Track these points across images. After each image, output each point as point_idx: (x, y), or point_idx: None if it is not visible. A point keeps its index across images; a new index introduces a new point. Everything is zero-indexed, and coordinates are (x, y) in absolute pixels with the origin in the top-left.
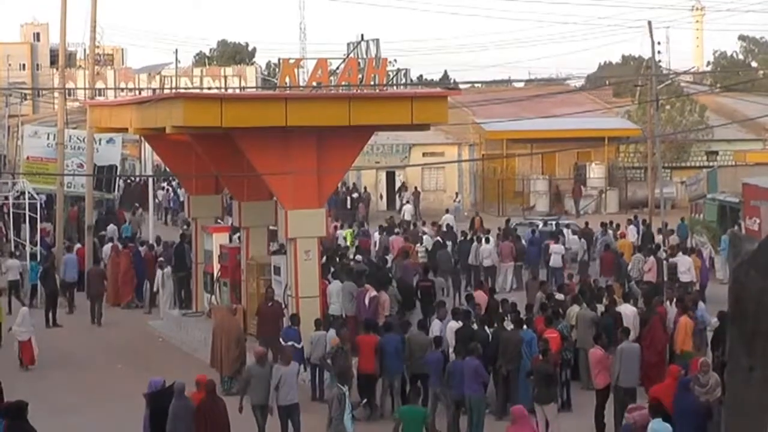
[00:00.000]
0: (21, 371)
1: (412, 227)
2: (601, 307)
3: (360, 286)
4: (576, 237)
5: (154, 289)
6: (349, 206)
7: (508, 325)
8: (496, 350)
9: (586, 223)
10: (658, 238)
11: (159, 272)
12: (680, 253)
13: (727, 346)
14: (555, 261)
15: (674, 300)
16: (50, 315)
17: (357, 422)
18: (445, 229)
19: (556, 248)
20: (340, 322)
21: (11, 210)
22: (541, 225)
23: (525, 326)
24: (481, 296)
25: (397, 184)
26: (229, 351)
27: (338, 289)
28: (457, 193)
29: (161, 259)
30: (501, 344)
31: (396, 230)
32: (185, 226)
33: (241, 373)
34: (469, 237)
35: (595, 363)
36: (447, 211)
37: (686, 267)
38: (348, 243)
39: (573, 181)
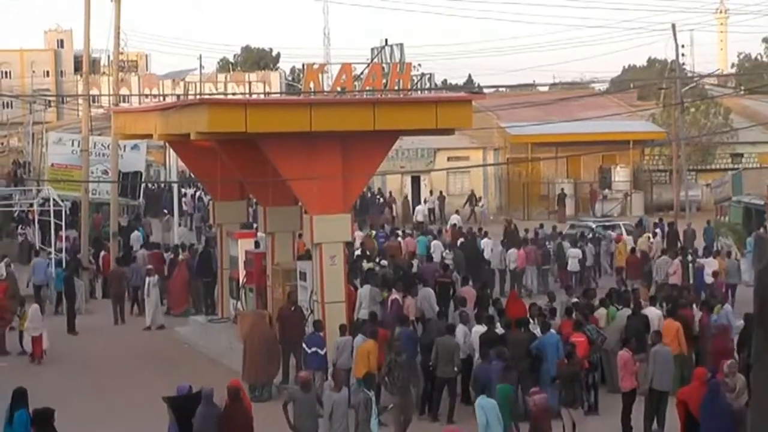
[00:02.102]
0: (49, 379)
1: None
2: (627, 311)
3: (385, 290)
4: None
5: (145, 296)
6: (381, 210)
7: (535, 328)
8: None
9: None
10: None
11: (147, 279)
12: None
13: (752, 348)
14: (572, 265)
15: (701, 303)
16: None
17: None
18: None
19: (573, 252)
20: (367, 327)
21: (36, 217)
22: (594, 226)
23: (551, 329)
24: (468, 292)
25: (422, 189)
26: (264, 357)
27: (367, 293)
28: (480, 197)
29: (149, 266)
30: (509, 345)
31: (408, 232)
32: (208, 229)
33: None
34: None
35: (621, 366)
36: (457, 212)
37: (713, 270)
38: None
39: (590, 185)
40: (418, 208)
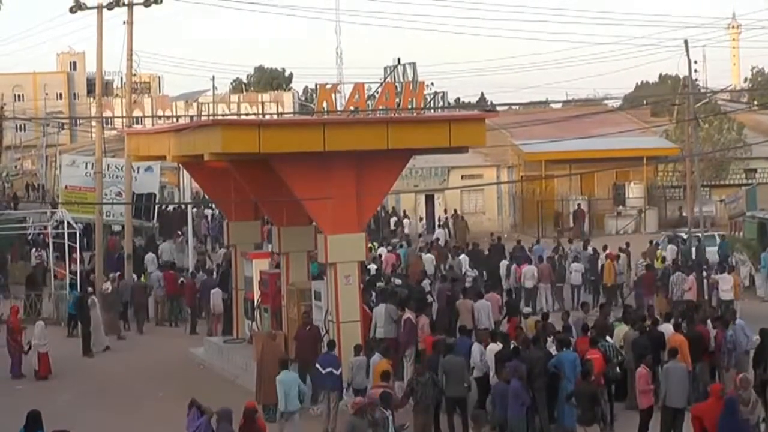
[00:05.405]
0: (63, 400)
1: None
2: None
3: (400, 308)
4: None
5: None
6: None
7: (550, 346)
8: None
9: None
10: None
11: (89, 301)
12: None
13: None
14: (575, 279)
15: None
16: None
17: None
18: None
19: (576, 266)
20: (383, 346)
21: (51, 240)
22: (686, 237)
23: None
24: (493, 297)
25: (436, 207)
26: (271, 379)
27: (382, 312)
28: (421, 218)
29: (89, 289)
30: (525, 363)
31: (390, 248)
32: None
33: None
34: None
35: (637, 382)
36: (440, 226)
37: (728, 285)
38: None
39: (578, 205)
40: (405, 221)
